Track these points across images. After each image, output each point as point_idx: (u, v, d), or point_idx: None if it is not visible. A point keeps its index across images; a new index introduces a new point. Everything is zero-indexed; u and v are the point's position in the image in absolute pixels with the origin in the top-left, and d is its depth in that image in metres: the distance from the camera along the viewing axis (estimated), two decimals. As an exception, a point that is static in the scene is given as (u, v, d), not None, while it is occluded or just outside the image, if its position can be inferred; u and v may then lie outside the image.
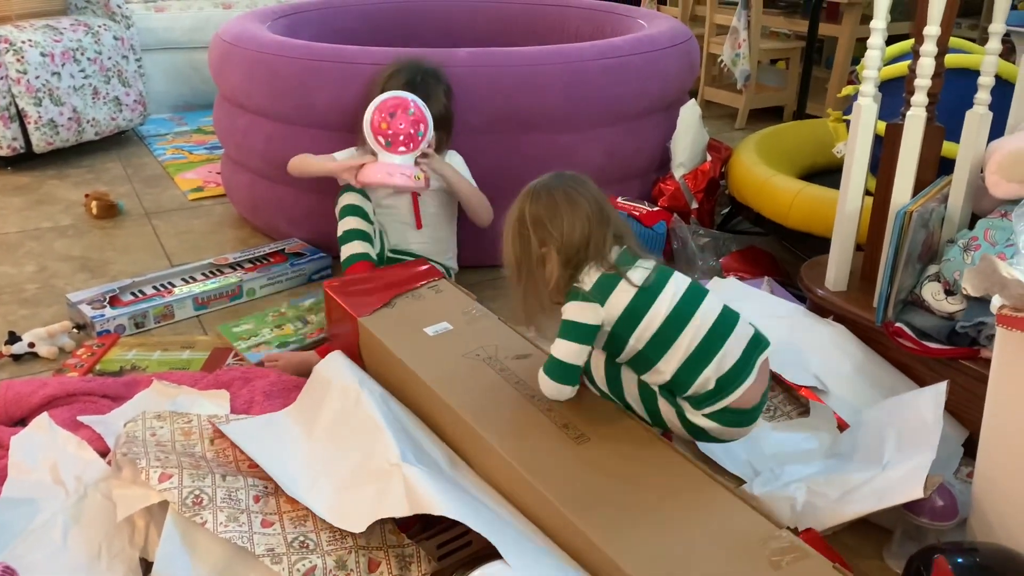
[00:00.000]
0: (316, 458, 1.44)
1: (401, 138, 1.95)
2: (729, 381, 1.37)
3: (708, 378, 1.37)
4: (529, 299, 1.45)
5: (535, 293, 1.44)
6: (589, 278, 1.39)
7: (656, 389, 1.43)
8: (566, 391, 1.41)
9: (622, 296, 1.38)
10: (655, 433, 1.40)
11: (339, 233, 2.00)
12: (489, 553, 1.14)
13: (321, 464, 1.42)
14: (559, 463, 1.31)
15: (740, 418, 1.40)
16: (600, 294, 1.38)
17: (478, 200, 2.11)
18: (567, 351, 1.39)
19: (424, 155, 2.00)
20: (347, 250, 1.96)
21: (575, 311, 1.39)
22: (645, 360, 1.40)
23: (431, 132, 2.00)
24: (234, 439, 1.47)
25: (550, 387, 1.41)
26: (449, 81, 2.11)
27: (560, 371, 1.40)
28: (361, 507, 1.27)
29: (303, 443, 1.49)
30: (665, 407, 1.43)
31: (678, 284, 1.41)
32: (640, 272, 1.40)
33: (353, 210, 1.99)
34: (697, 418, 1.40)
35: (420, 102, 1.98)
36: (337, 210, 2.03)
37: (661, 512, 1.21)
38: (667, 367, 1.38)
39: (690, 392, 1.39)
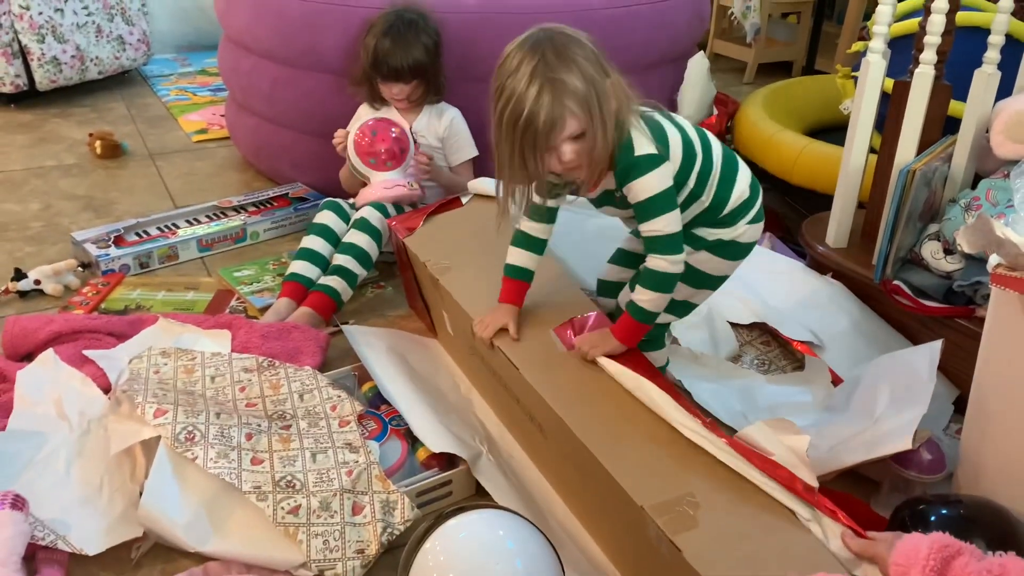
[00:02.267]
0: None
1: (384, 155, 2.00)
2: (757, 184, 1.42)
3: (743, 190, 1.38)
4: (595, 155, 1.22)
5: (604, 144, 1.22)
6: (638, 123, 1.26)
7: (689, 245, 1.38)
8: (681, 259, 1.29)
9: (675, 136, 1.30)
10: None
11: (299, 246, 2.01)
12: (467, 505, 1.18)
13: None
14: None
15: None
16: (663, 144, 1.27)
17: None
18: (670, 220, 1.26)
19: (425, 163, 2.07)
20: (291, 267, 1.95)
21: (657, 180, 1.25)
22: (694, 197, 1.35)
23: (412, 146, 2.05)
24: (351, 340, 1.69)
25: (668, 263, 1.27)
26: (438, 31, 2.08)
27: (674, 243, 1.27)
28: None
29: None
30: (704, 258, 1.41)
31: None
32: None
33: (319, 229, 2.00)
34: (738, 231, 1.40)
35: (399, 119, 2.06)
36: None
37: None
38: (709, 193, 1.36)
39: (727, 210, 1.38)
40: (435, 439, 1.42)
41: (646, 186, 1.25)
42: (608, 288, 1.55)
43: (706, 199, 1.37)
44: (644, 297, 1.30)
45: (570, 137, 1.19)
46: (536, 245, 1.40)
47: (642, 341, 1.36)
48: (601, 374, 1.31)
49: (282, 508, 1.26)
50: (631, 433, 1.21)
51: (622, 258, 1.55)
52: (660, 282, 1.29)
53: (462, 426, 1.50)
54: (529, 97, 1.16)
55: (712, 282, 1.46)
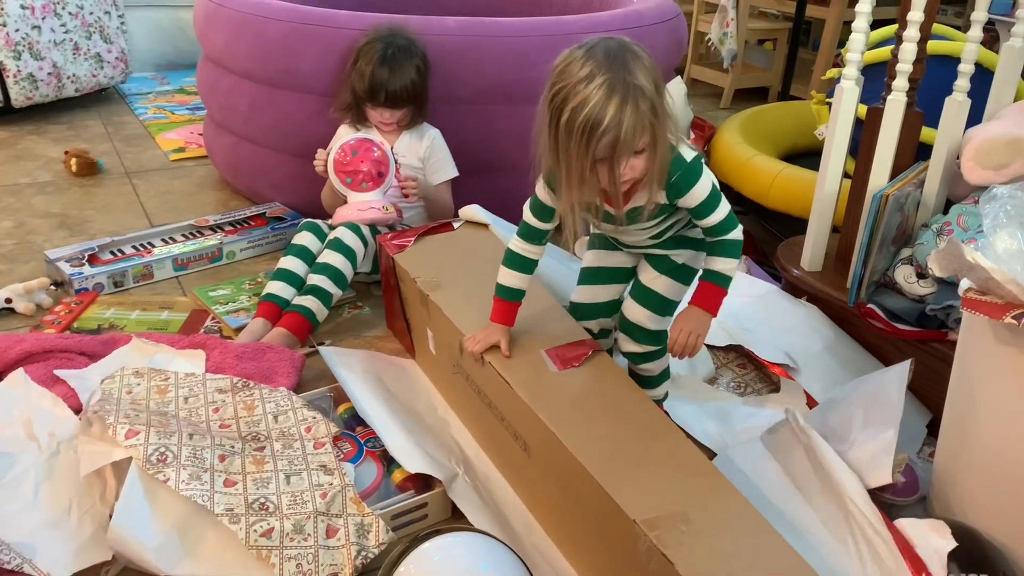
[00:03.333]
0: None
1: (363, 175, 2.00)
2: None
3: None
4: (654, 171, 1.24)
5: (663, 161, 1.24)
6: (678, 137, 1.28)
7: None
8: (740, 227, 1.37)
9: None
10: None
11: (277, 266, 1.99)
12: (442, 528, 1.17)
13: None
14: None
15: None
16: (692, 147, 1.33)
17: (442, 211, 2.15)
18: (725, 204, 1.33)
19: (408, 181, 2.05)
20: (267, 287, 1.94)
21: (707, 179, 1.30)
22: None
23: (393, 168, 2.04)
24: (328, 362, 1.69)
25: (737, 233, 1.35)
26: (426, 54, 2.09)
27: (733, 219, 1.35)
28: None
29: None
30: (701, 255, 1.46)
31: None
32: None
33: (297, 250, 1.98)
34: None
35: (380, 140, 2.05)
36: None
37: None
38: None
39: None
40: (411, 460, 1.41)
41: (703, 189, 1.30)
42: (583, 311, 1.54)
43: None
44: (728, 265, 1.36)
45: (636, 151, 1.19)
46: (528, 265, 1.41)
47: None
48: (592, 395, 1.32)
49: (255, 531, 1.24)
50: (624, 451, 1.21)
51: (590, 277, 1.55)
52: (737, 249, 1.36)
53: (438, 447, 1.50)
54: (611, 107, 1.13)
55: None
